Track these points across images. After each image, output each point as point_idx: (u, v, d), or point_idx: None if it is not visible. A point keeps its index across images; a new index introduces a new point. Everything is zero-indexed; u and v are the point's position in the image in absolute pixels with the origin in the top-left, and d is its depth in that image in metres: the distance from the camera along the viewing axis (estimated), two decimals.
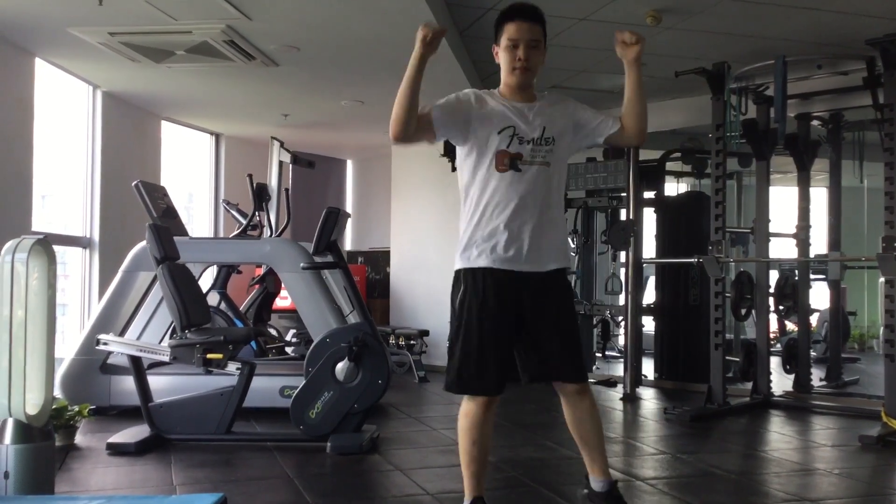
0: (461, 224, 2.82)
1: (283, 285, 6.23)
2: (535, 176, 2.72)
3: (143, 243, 4.89)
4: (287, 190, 6.53)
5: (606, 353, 7.91)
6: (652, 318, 7.16)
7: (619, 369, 7.10)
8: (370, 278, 8.97)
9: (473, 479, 2.81)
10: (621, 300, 6.84)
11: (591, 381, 5.92)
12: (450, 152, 7.59)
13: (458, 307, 2.76)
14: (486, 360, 2.69)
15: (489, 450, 2.84)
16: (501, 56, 2.77)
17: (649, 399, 6.25)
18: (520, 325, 2.73)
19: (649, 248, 7.05)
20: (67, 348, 5.23)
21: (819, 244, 6.36)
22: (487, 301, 2.69)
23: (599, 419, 2.87)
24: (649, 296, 7.27)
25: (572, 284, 7.34)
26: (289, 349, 6.95)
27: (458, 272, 2.78)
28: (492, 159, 2.71)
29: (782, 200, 6.86)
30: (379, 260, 9.00)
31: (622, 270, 6.97)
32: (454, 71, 5.55)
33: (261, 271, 7.06)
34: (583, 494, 2.93)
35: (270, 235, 6.13)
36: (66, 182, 6.23)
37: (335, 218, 4.50)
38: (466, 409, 2.77)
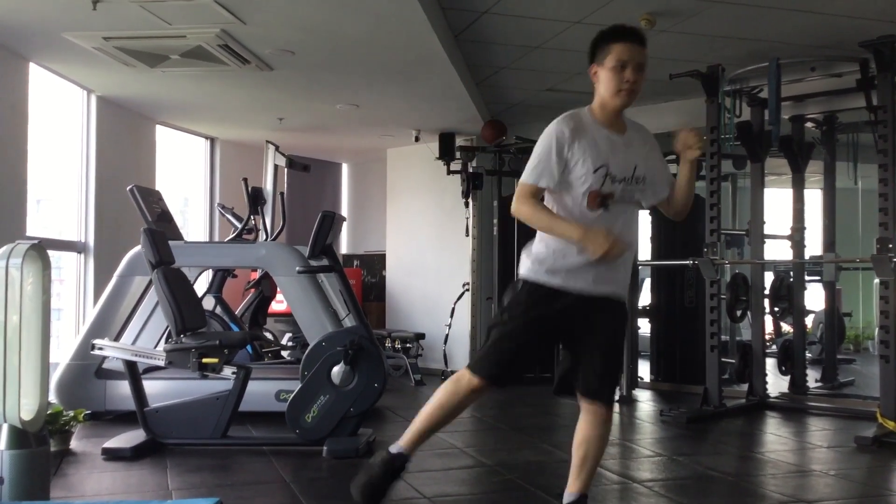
0: (540, 235, 2.77)
1: (278, 289, 6.23)
2: (622, 213, 2.74)
3: (138, 248, 4.87)
4: (282, 194, 6.53)
5: None
6: (648, 320, 7.17)
7: None
8: (366, 282, 8.97)
9: (418, 437, 2.88)
10: None
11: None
12: (446, 154, 7.61)
13: (510, 304, 2.77)
14: (513, 358, 2.77)
15: (449, 422, 2.92)
16: (605, 76, 2.70)
17: (645, 401, 6.25)
18: (570, 338, 2.78)
19: (645, 251, 7.05)
20: (62, 353, 5.22)
21: (814, 246, 6.37)
22: (533, 312, 2.72)
23: (606, 446, 2.90)
24: (645, 298, 7.28)
25: None
26: (285, 353, 6.93)
27: (525, 280, 2.75)
28: (584, 196, 2.66)
29: (777, 202, 6.87)
30: (375, 263, 8.99)
31: None
32: (448, 74, 5.56)
33: (256, 275, 7.05)
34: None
35: (266, 239, 6.13)
36: (60, 187, 6.22)
37: (331, 221, 4.50)
38: (462, 378, 2.80)
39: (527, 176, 2.68)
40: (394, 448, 2.90)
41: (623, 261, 2.72)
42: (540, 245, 2.75)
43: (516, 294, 2.77)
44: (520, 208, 2.68)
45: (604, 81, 2.71)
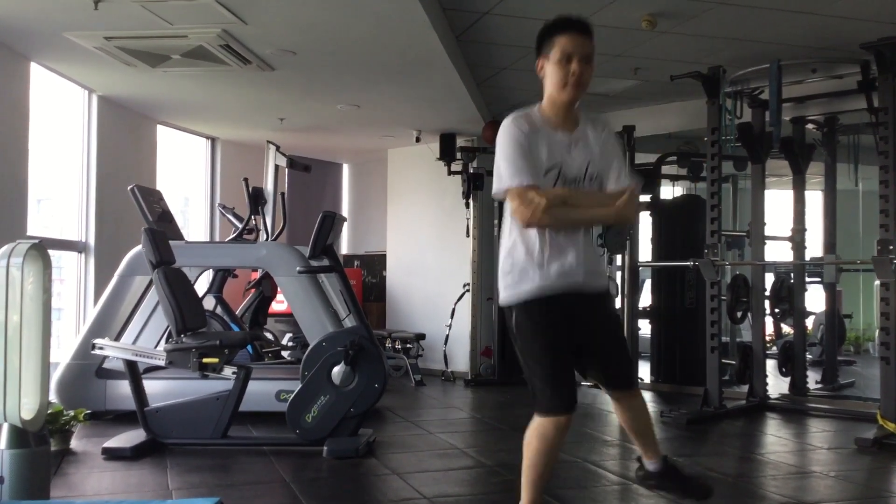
0: (505, 251, 2.69)
1: (279, 289, 6.24)
2: None
3: (139, 247, 4.88)
4: (283, 194, 6.54)
5: None
6: (648, 321, 7.17)
7: None
8: (366, 282, 8.97)
9: (536, 493, 2.72)
10: (617, 303, 6.84)
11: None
12: (446, 155, 7.61)
13: (519, 335, 2.67)
14: (564, 374, 2.69)
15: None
16: (550, 70, 2.62)
17: (646, 402, 6.25)
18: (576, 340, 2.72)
19: (645, 252, 7.06)
20: (63, 353, 5.22)
21: (814, 247, 6.38)
22: (546, 331, 2.64)
23: (649, 413, 2.98)
24: (645, 299, 7.28)
25: None
26: (285, 353, 6.94)
27: (512, 307, 2.67)
28: None
29: (778, 204, 6.88)
30: (375, 263, 8.99)
31: (618, 274, 6.99)
32: (450, 75, 5.56)
33: (257, 275, 7.05)
34: (639, 475, 3.01)
35: (266, 239, 6.13)
36: (61, 186, 6.22)
37: (331, 222, 4.50)
38: (544, 426, 2.64)
39: (511, 179, 2.55)
40: None
41: (589, 251, 2.68)
42: (506, 261, 2.67)
43: (517, 324, 2.66)
44: (540, 216, 2.52)
45: (550, 75, 2.63)
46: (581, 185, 2.63)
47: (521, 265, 2.62)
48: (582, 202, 2.62)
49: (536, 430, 2.66)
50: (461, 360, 7.59)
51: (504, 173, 2.57)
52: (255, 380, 4.49)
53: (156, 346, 4.98)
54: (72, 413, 4.29)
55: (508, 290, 2.65)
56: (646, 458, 2.93)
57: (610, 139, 2.73)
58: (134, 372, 4.31)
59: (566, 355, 2.65)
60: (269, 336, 7.20)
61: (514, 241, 2.65)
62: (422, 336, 7.65)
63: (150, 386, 4.60)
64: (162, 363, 4.20)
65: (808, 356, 6.43)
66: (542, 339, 2.62)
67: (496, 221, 7.48)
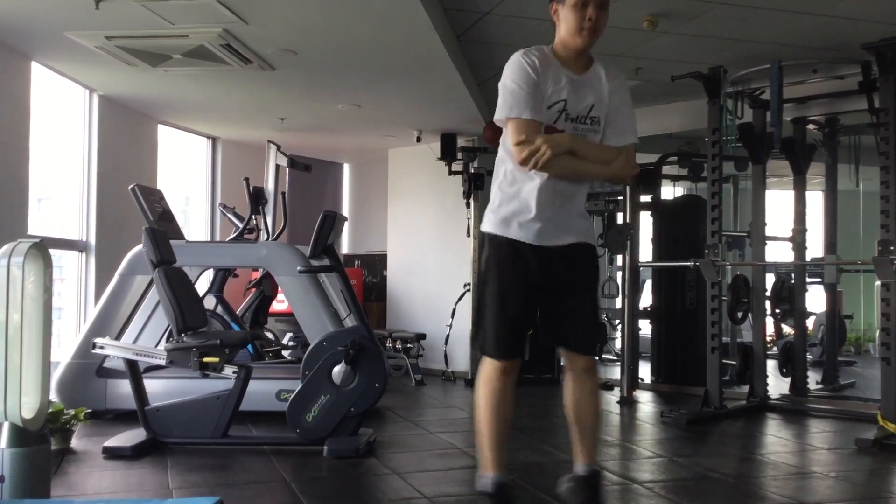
0: (493, 187, 2.73)
1: (279, 289, 6.24)
2: None
3: (140, 247, 4.88)
4: (284, 193, 6.54)
5: (603, 356, 7.92)
6: (649, 321, 7.17)
7: (615, 372, 7.10)
8: (367, 282, 8.97)
9: (494, 452, 2.69)
10: (618, 303, 6.85)
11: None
12: (447, 155, 7.61)
13: (486, 269, 2.71)
14: (516, 324, 2.70)
15: (510, 422, 2.74)
16: (565, 14, 2.57)
17: (646, 402, 6.25)
18: (545, 292, 2.69)
19: (646, 252, 7.05)
20: (64, 352, 5.22)
21: (815, 248, 6.37)
22: (513, 274, 2.64)
23: (600, 404, 2.81)
24: (646, 299, 7.28)
25: None
26: (285, 353, 6.94)
27: (484, 235, 2.70)
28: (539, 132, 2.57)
29: (778, 204, 6.88)
30: (376, 263, 9.00)
31: (619, 274, 6.99)
32: (450, 75, 5.56)
33: (257, 275, 7.05)
34: (566, 487, 2.84)
35: (267, 239, 6.13)
36: (62, 186, 6.22)
37: (332, 221, 4.50)
38: (487, 369, 2.68)
39: (512, 110, 2.53)
40: (480, 480, 2.72)
41: (577, 205, 2.66)
42: (495, 192, 2.70)
43: (485, 257, 2.69)
44: (543, 164, 2.49)
45: (564, 20, 2.59)
46: (582, 125, 2.60)
47: (508, 203, 2.64)
48: (583, 153, 2.58)
49: (481, 373, 2.71)
50: (462, 360, 7.59)
51: (507, 103, 2.56)
52: (255, 379, 4.49)
53: (156, 346, 4.98)
54: (72, 412, 4.29)
55: (490, 217, 2.68)
56: (577, 458, 2.77)
57: (621, 88, 2.70)
58: (134, 371, 4.31)
59: (522, 298, 2.64)
60: (269, 335, 7.20)
61: (505, 174, 2.66)
62: (422, 336, 7.65)
63: (151, 385, 4.60)
64: (162, 362, 4.20)
65: (809, 357, 6.43)
66: (502, 282, 2.63)
67: None
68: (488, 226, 2.69)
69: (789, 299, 6.07)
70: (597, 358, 2.83)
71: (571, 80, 2.60)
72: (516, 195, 2.63)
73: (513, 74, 2.57)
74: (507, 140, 2.63)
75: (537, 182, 2.61)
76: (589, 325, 2.76)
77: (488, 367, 2.68)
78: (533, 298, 2.69)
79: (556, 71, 2.59)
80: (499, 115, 2.60)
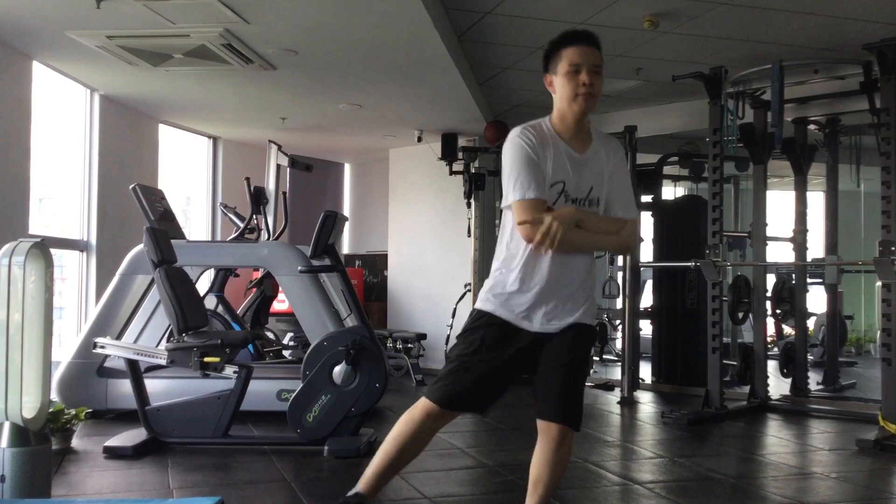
0: (494, 262, 2.64)
1: (280, 289, 6.24)
2: None
3: (141, 246, 4.88)
4: (284, 193, 6.54)
5: (604, 356, 7.93)
6: (649, 321, 7.17)
7: (616, 373, 7.10)
8: (368, 282, 8.97)
9: (376, 477, 2.67)
10: (619, 304, 6.84)
11: (589, 384, 5.92)
12: (448, 155, 7.61)
13: (466, 332, 2.63)
14: (468, 388, 2.62)
15: (408, 459, 2.70)
16: (560, 84, 2.55)
17: (647, 403, 6.25)
18: (528, 365, 2.63)
19: (647, 252, 7.05)
20: (64, 351, 5.22)
21: (816, 248, 6.37)
22: (487, 343, 2.58)
23: (561, 475, 2.74)
24: (647, 299, 7.28)
25: None
26: (286, 352, 6.94)
27: (477, 311, 2.63)
28: None
29: (779, 204, 6.88)
30: (376, 263, 9.00)
31: (619, 274, 6.99)
32: (452, 75, 5.56)
33: (258, 275, 7.05)
34: None
35: (268, 239, 6.13)
36: (63, 185, 6.22)
37: (333, 221, 4.50)
38: (417, 404, 2.64)
39: (519, 192, 2.47)
40: (351, 492, 2.68)
41: (578, 289, 2.57)
42: (493, 273, 2.62)
43: (472, 324, 2.62)
44: (556, 243, 2.40)
45: (559, 89, 2.56)
46: (583, 206, 2.55)
47: (500, 283, 2.57)
48: (591, 225, 2.53)
49: (410, 408, 2.66)
50: None
51: (512, 185, 2.50)
52: (256, 379, 4.49)
53: (157, 345, 4.98)
54: (73, 412, 4.29)
55: (482, 296, 2.63)
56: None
57: (621, 165, 2.66)
58: (135, 371, 4.31)
59: (490, 377, 2.57)
60: (270, 335, 7.20)
61: (505, 258, 2.58)
62: (423, 336, 7.65)
63: (152, 385, 4.60)
64: (163, 362, 4.20)
65: (810, 357, 6.43)
66: (477, 351, 2.56)
67: (497, 222, 7.48)
68: (482, 303, 2.62)
69: (790, 300, 6.07)
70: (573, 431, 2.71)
71: (572, 160, 2.55)
72: (514, 277, 2.55)
73: (513, 155, 2.52)
74: (509, 225, 2.56)
75: (539, 261, 2.52)
76: (574, 398, 2.65)
77: (420, 404, 2.64)
78: (505, 374, 2.61)
79: (556, 148, 2.53)
80: (506, 202, 2.54)
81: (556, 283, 2.54)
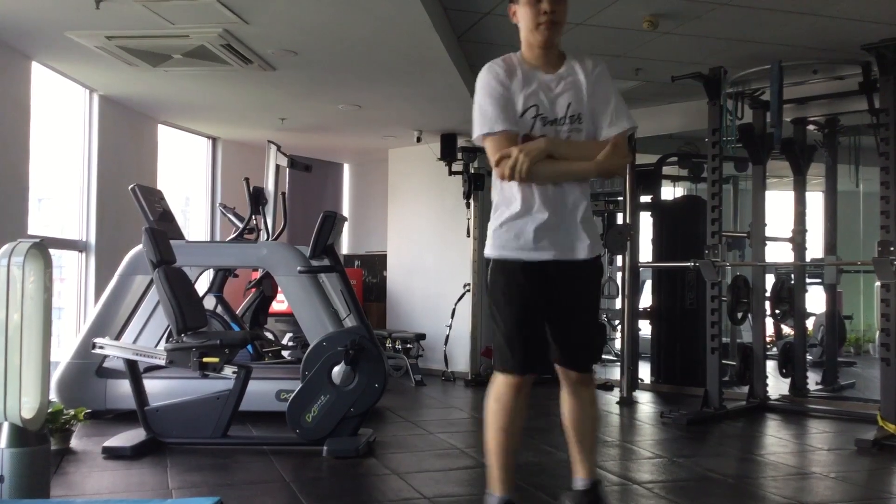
0: (492, 210, 2.65)
1: (279, 289, 6.24)
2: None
3: (140, 247, 4.88)
4: (284, 194, 6.54)
5: (603, 356, 7.93)
6: (648, 321, 7.17)
7: (615, 373, 7.10)
8: (367, 282, 8.97)
9: (501, 471, 2.61)
10: (618, 304, 6.85)
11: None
12: (447, 155, 7.61)
13: (491, 290, 2.62)
14: (527, 339, 2.61)
15: (520, 441, 2.65)
16: (522, 12, 2.51)
17: (646, 403, 6.25)
18: (547, 307, 2.62)
19: (646, 252, 7.05)
20: (63, 352, 5.22)
21: (815, 248, 6.37)
22: (519, 286, 2.56)
23: (598, 416, 2.74)
24: (646, 300, 7.28)
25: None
26: (285, 353, 6.94)
27: (488, 258, 2.63)
28: (518, 142, 2.48)
29: (778, 205, 6.88)
30: (376, 263, 8.99)
31: (619, 274, 6.99)
32: (451, 75, 5.56)
33: (257, 275, 7.05)
34: (563, 497, 2.79)
35: (267, 239, 6.13)
36: (62, 186, 6.22)
37: (332, 221, 4.50)
38: (498, 385, 2.60)
39: (486, 125, 2.46)
40: (488, 500, 2.64)
41: (578, 221, 2.57)
42: (494, 214, 2.62)
43: (490, 277, 2.62)
44: (524, 174, 2.41)
45: (522, 18, 2.53)
46: (562, 127, 2.52)
47: (504, 222, 2.57)
48: (565, 154, 2.49)
49: (492, 389, 2.62)
50: (461, 361, 7.59)
51: (479, 120, 2.50)
52: (255, 379, 4.49)
53: (156, 346, 4.98)
54: (72, 412, 4.29)
55: (490, 242, 2.62)
56: (576, 473, 2.71)
57: (603, 77, 2.60)
58: (134, 371, 4.31)
59: (532, 316, 2.56)
60: (269, 336, 7.20)
61: (500, 195, 2.60)
62: (422, 336, 7.65)
63: (151, 385, 4.60)
64: (162, 362, 4.20)
65: (809, 357, 6.43)
66: (508, 297, 2.56)
67: None
68: (490, 250, 2.63)
69: (789, 300, 6.07)
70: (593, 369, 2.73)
71: (542, 82, 2.50)
72: (512, 215, 2.56)
73: (480, 90, 2.52)
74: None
75: (528, 195, 2.52)
76: (585, 343, 2.66)
77: (499, 383, 2.60)
78: (539, 312, 2.61)
79: (524, 76, 2.51)
80: (474, 136, 2.54)
81: (551, 209, 2.52)
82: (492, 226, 2.63)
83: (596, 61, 2.62)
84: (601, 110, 2.56)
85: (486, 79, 2.52)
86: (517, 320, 2.57)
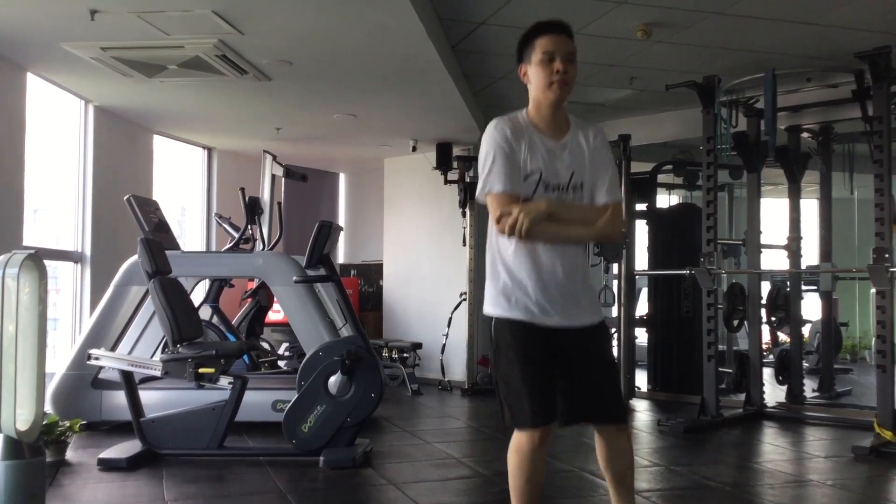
0: (487, 269, 2.64)
1: (275, 299, 6.23)
2: None
3: (135, 257, 4.88)
4: (279, 203, 6.54)
5: None
6: (645, 329, 7.17)
7: None
8: (363, 291, 8.96)
9: None
10: (614, 312, 6.85)
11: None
12: (443, 164, 7.62)
13: (495, 350, 2.61)
14: (539, 391, 2.58)
15: (541, 489, 2.67)
16: (534, 73, 2.55)
17: (643, 411, 6.25)
18: (556, 368, 2.61)
19: (641, 260, 7.06)
20: (59, 363, 5.20)
21: (810, 255, 6.38)
22: (524, 348, 2.56)
23: (633, 461, 2.76)
24: (642, 307, 7.28)
25: None
26: (281, 363, 6.92)
27: (492, 319, 2.61)
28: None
29: (773, 212, 6.89)
30: (372, 273, 8.99)
31: (615, 282, 7.00)
32: (446, 85, 5.57)
33: (253, 285, 7.04)
34: None
35: (263, 249, 6.12)
36: (57, 196, 6.21)
37: (328, 231, 4.50)
38: (519, 442, 2.59)
39: (491, 185, 2.49)
40: None
41: (577, 287, 2.57)
42: (490, 273, 2.60)
43: (495, 334, 2.60)
44: (524, 233, 2.41)
45: (534, 78, 2.55)
46: (565, 194, 2.55)
47: (503, 283, 2.56)
48: (565, 217, 2.52)
49: (512, 445, 2.62)
50: (458, 370, 7.58)
51: (484, 178, 2.52)
52: (251, 390, 4.48)
53: (152, 357, 4.97)
54: (67, 424, 4.27)
55: (490, 301, 2.61)
56: None
57: (602, 148, 2.64)
58: (130, 382, 4.30)
59: (538, 371, 2.54)
60: (265, 346, 7.19)
61: (496, 254, 2.59)
62: (418, 345, 7.64)
63: (146, 396, 4.58)
64: (158, 373, 4.19)
65: (805, 364, 6.44)
66: (512, 355, 2.54)
67: None
68: (491, 308, 2.61)
69: (785, 307, 6.08)
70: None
71: (548, 148, 2.54)
72: (510, 274, 2.56)
73: (487, 146, 2.54)
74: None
75: (528, 256, 2.53)
76: (613, 398, 2.66)
77: (521, 437, 2.59)
78: (546, 366, 2.58)
79: (530, 139, 2.54)
80: (478, 193, 2.56)
81: (552, 274, 2.53)
82: (492, 285, 2.61)
83: (597, 129, 2.67)
84: (599, 177, 2.60)
85: (493, 136, 2.55)
86: (524, 376, 2.56)
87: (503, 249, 2.57)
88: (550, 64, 2.52)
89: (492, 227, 2.59)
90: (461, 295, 7.57)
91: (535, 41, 2.56)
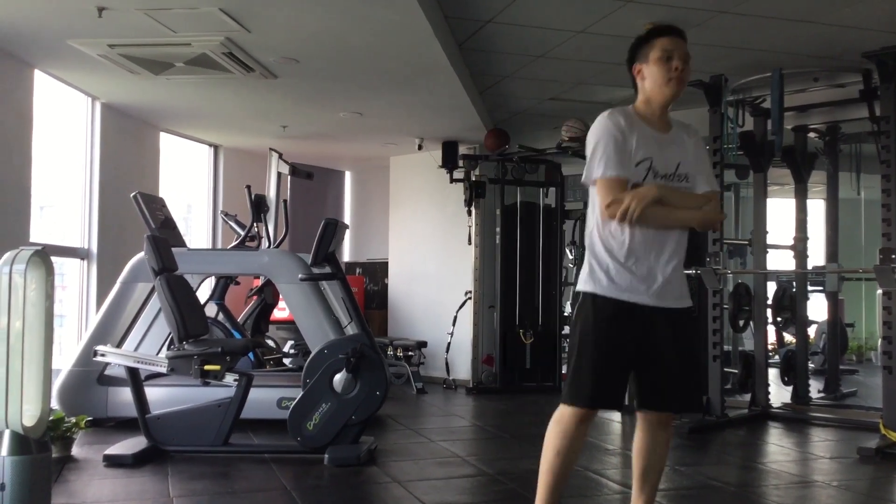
0: (588, 239, 2.72)
1: (281, 296, 6.24)
2: None
3: (141, 254, 4.88)
4: (285, 201, 6.55)
5: None
6: None
7: None
8: (368, 289, 8.97)
9: (547, 493, 2.71)
10: None
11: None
12: (449, 162, 7.62)
13: (583, 324, 2.67)
14: (604, 378, 2.67)
15: (570, 469, 2.74)
16: (651, 70, 2.71)
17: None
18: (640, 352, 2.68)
19: None
20: (65, 359, 5.22)
21: (817, 256, 6.37)
22: (608, 331, 2.63)
23: (666, 457, 2.81)
24: None
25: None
26: (286, 360, 6.93)
27: (580, 293, 2.69)
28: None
29: (780, 212, 6.88)
30: (377, 271, 9.00)
31: None
32: (452, 83, 5.57)
33: (259, 282, 7.05)
34: None
35: (269, 246, 6.13)
36: (64, 193, 6.23)
37: (333, 229, 4.50)
38: (564, 415, 2.68)
39: (602, 170, 2.59)
40: None
41: (673, 271, 2.66)
42: (588, 253, 2.69)
43: (580, 308, 2.67)
44: (636, 216, 2.54)
45: (650, 75, 2.71)
46: (671, 182, 2.67)
47: (601, 262, 2.64)
48: (674, 202, 2.65)
49: (555, 415, 2.69)
50: (463, 368, 7.58)
51: (594, 163, 2.63)
52: (256, 387, 4.48)
53: (158, 353, 4.98)
54: (73, 420, 4.28)
55: (584, 279, 2.68)
56: (636, 502, 2.79)
57: (700, 146, 2.82)
58: (135, 379, 4.31)
59: (615, 355, 2.62)
60: (270, 343, 7.20)
61: (596, 235, 2.67)
62: (423, 344, 7.65)
63: (152, 393, 4.60)
64: (164, 370, 4.20)
65: (811, 365, 6.41)
66: (596, 334, 2.62)
67: (498, 229, 7.49)
68: (585, 285, 2.68)
69: (791, 308, 6.07)
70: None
71: (657, 139, 2.68)
72: (612, 256, 2.64)
73: (598, 135, 2.65)
74: (596, 201, 2.67)
75: (631, 239, 2.63)
76: (696, 384, 2.79)
77: (566, 411, 2.68)
78: (624, 353, 2.66)
79: (641, 130, 2.67)
80: (586, 177, 2.67)
81: (651, 256, 2.63)
82: (591, 263, 2.69)
83: (694, 130, 2.84)
84: (699, 170, 2.75)
85: (606, 124, 2.66)
86: (597, 358, 2.63)
87: (604, 231, 2.66)
88: (669, 62, 2.68)
89: (593, 209, 2.70)
90: (466, 294, 7.57)
91: (654, 41, 2.73)
